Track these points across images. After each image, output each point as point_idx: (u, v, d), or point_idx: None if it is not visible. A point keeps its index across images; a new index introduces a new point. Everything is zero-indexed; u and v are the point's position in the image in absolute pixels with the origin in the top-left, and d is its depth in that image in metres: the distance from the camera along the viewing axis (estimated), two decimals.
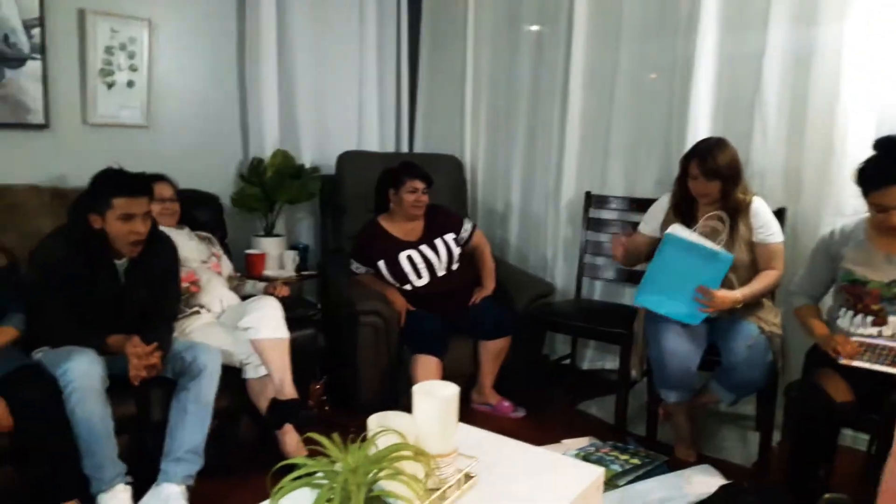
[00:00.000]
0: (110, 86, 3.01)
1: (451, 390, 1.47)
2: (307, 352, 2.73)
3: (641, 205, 3.11)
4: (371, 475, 1.18)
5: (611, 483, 2.43)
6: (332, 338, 3.19)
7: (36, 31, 2.74)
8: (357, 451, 1.19)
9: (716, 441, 2.88)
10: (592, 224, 3.44)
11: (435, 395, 1.45)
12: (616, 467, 2.54)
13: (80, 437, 2.02)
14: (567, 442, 2.81)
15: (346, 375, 3.03)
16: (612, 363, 3.56)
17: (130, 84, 3.08)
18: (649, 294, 2.55)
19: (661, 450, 2.73)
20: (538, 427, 2.99)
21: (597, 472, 1.64)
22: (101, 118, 3.00)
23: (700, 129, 3.01)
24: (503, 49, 3.81)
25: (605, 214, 3.44)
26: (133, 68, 3.07)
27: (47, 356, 2.14)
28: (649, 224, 2.78)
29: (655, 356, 2.58)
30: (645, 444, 2.79)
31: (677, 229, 2.53)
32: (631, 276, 3.26)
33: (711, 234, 2.54)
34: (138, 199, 2.21)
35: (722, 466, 2.62)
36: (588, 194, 3.45)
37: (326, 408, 2.85)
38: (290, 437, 2.48)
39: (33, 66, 2.75)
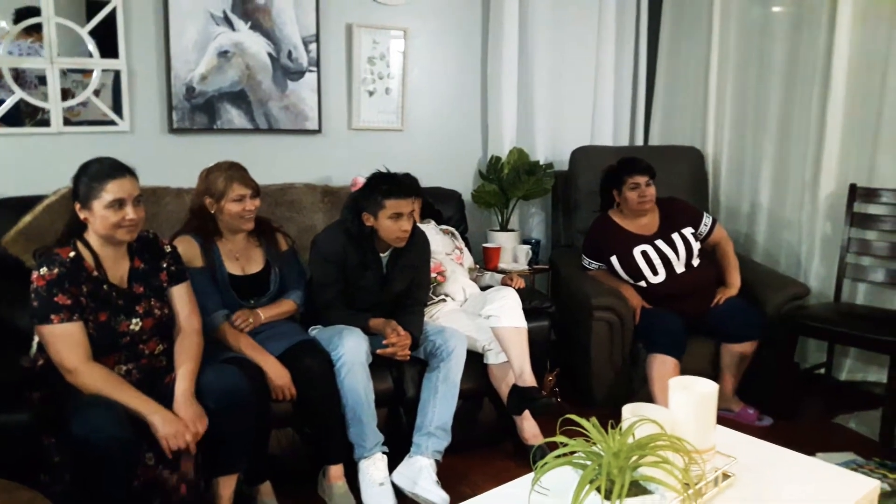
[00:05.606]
0: (371, 93, 3.34)
1: (710, 387, 1.43)
2: (540, 342, 2.78)
3: None
4: (632, 461, 1.20)
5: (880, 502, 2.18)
6: (561, 331, 3.22)
7: (313, 47, 3.13)
8: (618, 436, 1.22)
9: None
10: (858, 220, 3.11)
11: (693, 390, 1.42)
12: (885, 486, 2.28)
13: (347, 406, 2.26)
14: (823, 456, 2.57)
15: (579, 370, 3.05)
16: (876, 375, 3.23)
17: (387, 91, 3.38)
18: None
19: None
20: (788, 438, 2.73)
21: (871, 485, 1.51)
22: (363, 123, 3.35)
23: None
24: (753, 29, 3.58)
25: (874, 209, 3.10)
26: (390, 76, 3.37)
27: (321, 333, 2.42)
28: None
29: None
30: None
31: None
32: None
33: None
34: (406, 200, 2.40)
35: None
36: (853, 187, 3.12)
37: (558, 399, 2.89)
38: (528, 423, 2.58)
39: (310, 78, 3.14)
